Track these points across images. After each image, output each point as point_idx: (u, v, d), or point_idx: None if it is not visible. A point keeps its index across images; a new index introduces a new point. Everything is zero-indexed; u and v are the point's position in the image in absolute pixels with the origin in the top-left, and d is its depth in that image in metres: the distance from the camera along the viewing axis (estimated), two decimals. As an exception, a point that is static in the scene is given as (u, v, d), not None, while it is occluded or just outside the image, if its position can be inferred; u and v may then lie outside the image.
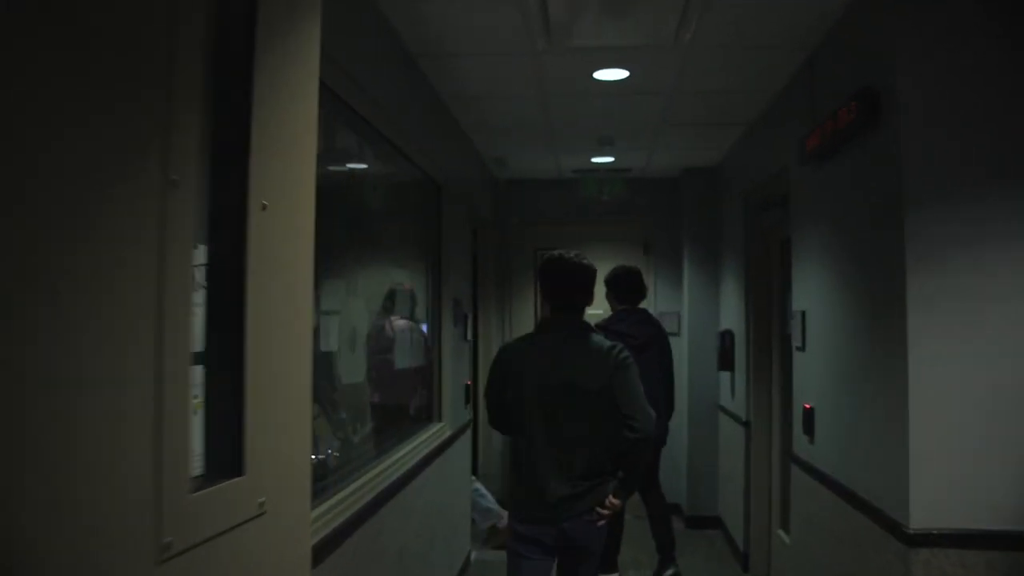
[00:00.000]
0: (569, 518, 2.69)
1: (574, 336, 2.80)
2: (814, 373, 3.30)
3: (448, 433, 4.20)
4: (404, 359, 3.68)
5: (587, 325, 2.86)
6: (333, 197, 3.38)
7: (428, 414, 4.11)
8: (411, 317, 3.81)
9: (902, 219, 2.36)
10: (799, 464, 3.44)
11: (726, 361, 5.22)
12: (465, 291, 4.89)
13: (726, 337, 5.22)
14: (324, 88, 2.91)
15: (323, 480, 2.55)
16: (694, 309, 5.86)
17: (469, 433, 4.91)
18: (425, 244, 4.19)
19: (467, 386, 4.79)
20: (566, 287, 2.82)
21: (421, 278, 4.03)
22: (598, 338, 2.81)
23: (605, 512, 2.72)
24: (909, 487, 2.28)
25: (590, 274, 2.87)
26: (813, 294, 3.34)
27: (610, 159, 5.58)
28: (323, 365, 2.79)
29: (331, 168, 3.30)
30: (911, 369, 2.31)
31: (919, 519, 2.27)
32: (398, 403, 3.75)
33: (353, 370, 3.06)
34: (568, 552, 2.77)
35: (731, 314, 5.30)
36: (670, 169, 6.00)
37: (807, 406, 3.32)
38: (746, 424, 4.73)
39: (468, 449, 4.86)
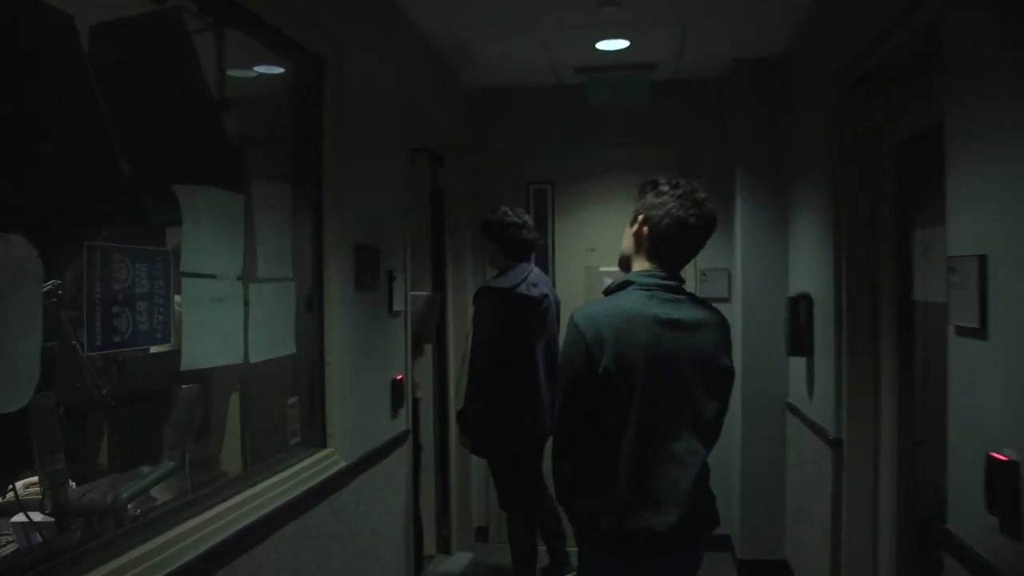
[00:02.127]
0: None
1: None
2: (1016, 385, 1.54)
3: (341, 465, 2.55)
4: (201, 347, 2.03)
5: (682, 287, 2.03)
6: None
7: (285, 438, 2.46)
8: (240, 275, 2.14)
9: None
10: (971, 561, 1.70)
11: (800, 341, 3.45)
12: (395, 239, 3.21)
13: (800, 304, 3.44)
14: None
15: None
16: (751, 263, 4.08)
17: (406, 453, 3.25)
18: (281, 160, 2.52)
19: (396, 382, 3.13)
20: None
21: (270, 214, 2.35)
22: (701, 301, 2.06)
23: None
24: None
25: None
26: (1007, 223, 1.58)
27: (623, 44, 3.78)
28: None
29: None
30: None
31: None
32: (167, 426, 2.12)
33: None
34: None
35: (809, 270, 3.52)
36: (714, 63, 4.17)
37: (1000, 456, 1.56)
38: (835, 443, 2.98)
39: (402, 480, 3.21)
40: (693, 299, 2.01)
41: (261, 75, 2.45)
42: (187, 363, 1.91)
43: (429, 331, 3.90)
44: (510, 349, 3.40)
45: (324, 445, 2.54)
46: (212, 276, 2.03)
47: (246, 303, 2.19)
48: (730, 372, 2.00)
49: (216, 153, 2.20)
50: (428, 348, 4.15)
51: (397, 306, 3.13)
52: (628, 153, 4.58)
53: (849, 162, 2.92)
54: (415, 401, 3.54)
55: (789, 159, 3.91)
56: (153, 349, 1.97)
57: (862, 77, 2.75)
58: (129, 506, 2.07)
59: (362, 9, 2.83)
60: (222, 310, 2.07)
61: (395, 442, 3.10)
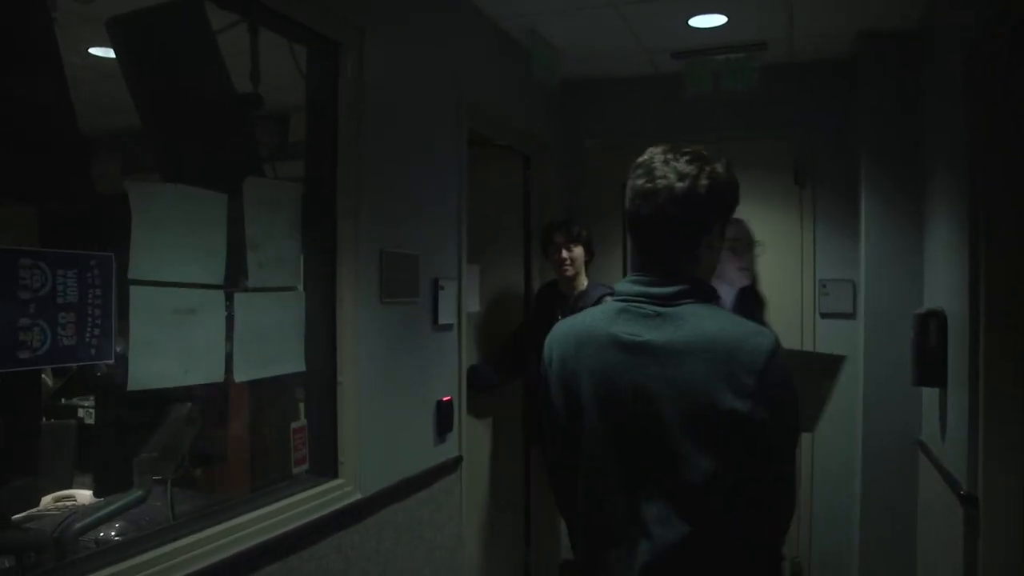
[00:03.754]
0: None
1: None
2: None
3: (355, 498, 2.28)
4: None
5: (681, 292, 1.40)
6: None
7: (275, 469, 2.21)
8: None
9: None
10: None
11: (929, 368, 2.82)
12: (446, 244, 2.91)
13: (930, 323, 2.81)
14: None
15: None
16: (879, 274, 3.43)
17: (455, 482, 2.94)
18: (289, 158, 2.30)
19: (442, 404, 2.82)
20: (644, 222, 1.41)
21: (270, 217, 2.11)
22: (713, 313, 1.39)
23: None
24: None
25: (703, 194, 1.38)
26: None
27: (720, 20, 3.30)
28: None
29: None
30: None
31: None
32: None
33: None
34: None
35: (943, 282, 2.89)
36: (835, 40, 3.57)
37: None
38: (968, 500, 2.36)
39: (452, 512, 2.88)
40: (696, 314, 1.38)
41: (267, 65, 2.23)
42: (136, 382, 1.69)
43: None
44: None
45: (336, 475, 2.27)
46: (178, 284, 1.82)
47: (231, 316, 1.96)
48: (738, 417, 1.30)
49: (194, 149, 1.99)
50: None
51: (445, 319, 2.83)
52: (738, 148, 4.00)
53: (989, 146, 2.31)
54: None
55: (925, 152, 3.25)
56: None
57: (1006, 39, 2.14)
58: (106, 534, 1.91)
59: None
60: (192, 323, 1.84)
61: (440, 471, 2.79)
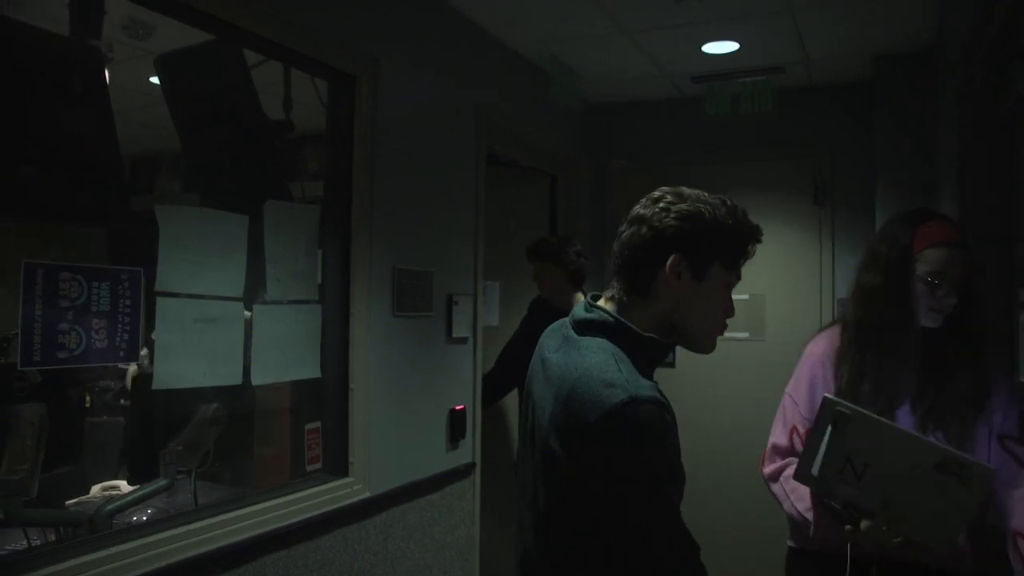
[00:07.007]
0: None
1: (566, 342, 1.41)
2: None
3: (364, 496, 2.47)
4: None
5: (592, 322, 1.39)
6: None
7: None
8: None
9: None
10: None
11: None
12: (461, 261, 3.09)
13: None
14: None
15: None
16: (892, 294, 3.47)
17: (468, 487, 3.10)
18: (310, 181, 2.51)
19: (455, 412, 2.99)
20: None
21: (288, 235, 2.32)
22: (594, 351, 1.33)
23: None
24: None
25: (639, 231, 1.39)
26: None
27: (732, 46, 3.41)
28: None
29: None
30: None
31: None
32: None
33: None
34: None
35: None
36: (850, 63, 3.64)
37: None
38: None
39: (464, 515, 3.05)
40: (584, 347, 1.33)
41: (297, 94, 2.46)
42: (159, 382, 1.91)
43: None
44: None
45: (346, 474, 2.46)
46: (200, 296, 2.04)
47: (250, 325, 2.18)
48: (553, 459, 1.29)
49: (223, 172, 2.22)
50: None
51: (459, 332, 3.00)
52: (759, 168, 4.13)
53: (975, 168, 2.38)
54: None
55: (938, 171, 3.29)
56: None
57: (985, 56, 2.22)
58: (138, 518, 2.14)
59: (407, 21, 2.76)
60: (212, 331, 2.06)
61: (452, 475, 2.96)
